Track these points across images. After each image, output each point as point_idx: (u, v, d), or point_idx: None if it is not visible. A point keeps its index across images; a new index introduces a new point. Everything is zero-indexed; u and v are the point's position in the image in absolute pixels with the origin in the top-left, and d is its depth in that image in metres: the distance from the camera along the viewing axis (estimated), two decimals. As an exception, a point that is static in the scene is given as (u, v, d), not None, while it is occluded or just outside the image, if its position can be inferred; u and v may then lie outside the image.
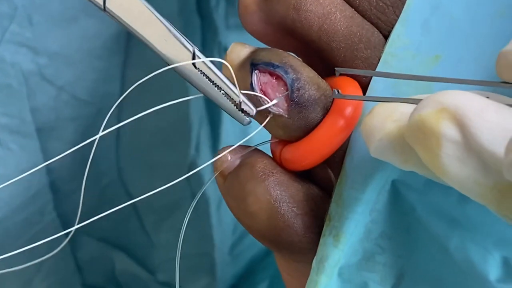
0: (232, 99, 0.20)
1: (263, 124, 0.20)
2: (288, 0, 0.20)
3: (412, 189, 0.19)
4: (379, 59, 0.20)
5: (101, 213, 0.39)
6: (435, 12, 0.20)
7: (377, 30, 0.20)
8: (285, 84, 0.19)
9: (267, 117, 0.20)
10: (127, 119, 0.37)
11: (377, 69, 0.20)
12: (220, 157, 0.21)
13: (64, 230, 0.38)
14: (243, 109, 0.20)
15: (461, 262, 0.18)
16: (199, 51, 0.20)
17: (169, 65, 0.20)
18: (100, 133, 0.22)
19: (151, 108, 0.35)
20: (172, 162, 0.38)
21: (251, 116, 0.20)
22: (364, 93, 0.20)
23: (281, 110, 0.20)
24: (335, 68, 0.20)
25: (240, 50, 0.21)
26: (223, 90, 0.20)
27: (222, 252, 0.40)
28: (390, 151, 0.16)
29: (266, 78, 0.20)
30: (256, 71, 0.20)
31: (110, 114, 0.36)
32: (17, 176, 0.33)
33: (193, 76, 0.20)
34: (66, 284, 0.38)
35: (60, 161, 0.36)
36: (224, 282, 0.41)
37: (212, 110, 0.39)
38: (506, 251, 0.18)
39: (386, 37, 0.20)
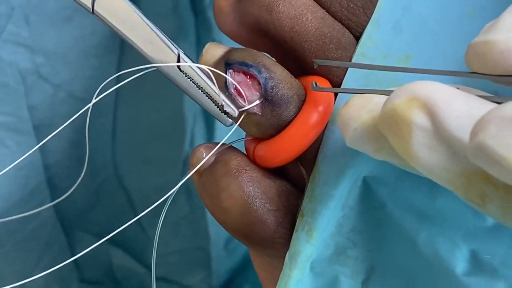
0: (215, 101, 0.20)
1: (238, 123, 0.21)
2: (261, 1, 0.20)
3: (383, 185, 0.20)
4: (350, 60, 0.20)
5: (98, 210, 0.40)
6: (406, 13, 0.20)
7: (348, 31, 0.21)
8: (259, 83, 0.20)
9: (242, 115, 0.20)
10: (123, 114, 0.38)
11: (349, 70, 0.20)
12: (196, 155, 0.21)
13: (62, 226, 0.39)
14: (225, 111, 0.20)
15: (429, 256, 0.19)
16: (184, 53, 0.20)
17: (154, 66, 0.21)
18: (94, 101, 0.23)
19: (146, 103, 0.36)
20: (167, 157, 0.38)
21: (233, 118, 0.21)
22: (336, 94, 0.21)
23: (255, 108, 0.20)
24: (313, 60, 0.20)
25: (215, 50, 0.21)
26: (206, 92, 0.20)
27: (217, 247, 0.41)
28: (364, 140, 0.17)
29: (240, 77, 0.20)
30: (230, 71, 0.20)
31: (106, 111, 0.37)
32: (14, 174, 0.34)
33: (178, 78, 0.20)
34: (64, 280, 0.39)
35: (57, 158, 0.36)
36: (219, 276, 0.42)
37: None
38: (474, 244, 0.19)
39: (357, 38, 0.21)
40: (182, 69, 0.20)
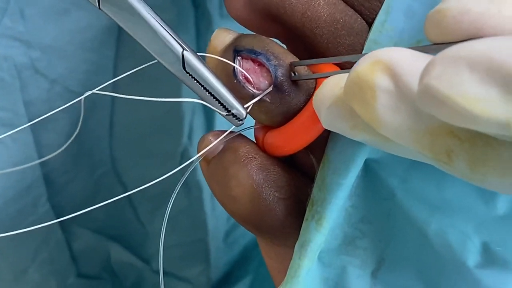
0: (222, 104, 0.20)
1: (248, 110, 0.20)
2: None
3: (393, 175, 0.19)
4: (363, 46, 0.20)
5: (96, 204, 0.39)
6: None
7: (360, 17, 0.20)
8: (268, 71, 0.20)
9: (251, 102, 0.20)
10: (120, 109, 0.38)
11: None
12: (204, 142, 0.21)
13: (59, 222, 0.39)
14: (233, 113, 0.20)
15: (440, 248, 0.18)
16: (193, 50, 0.19)
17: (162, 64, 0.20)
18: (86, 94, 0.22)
19: (144, 100, 0.36)
20: (165, 150, 0.38)
21: (241, 120, 0.20)
22: None
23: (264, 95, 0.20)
24: (291, 62, 0.20)
25: (224, 36, 0.21)
26: (212, 94, 0.20)
27: (216, 239, 0.41)
28: (339, 118, 0.16)
29: (248, 64, 0.20)
30: (238, 58, 0.20)
31: (103, 105, 0.37)
32: (8, 169, 0.34)
33: (186, 79, 0.19)
34: (61, 274, 0.38)
35: (54, 153, 0.36)
36: (218, 268, 0.41)
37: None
38: (486, 236, 0.18)
39: (369, 24, 0.20)
40: (187, 71, 0.19)
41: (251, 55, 0.20)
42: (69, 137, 0.36)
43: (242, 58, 0.20)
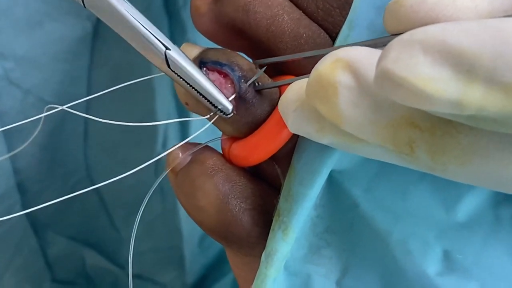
0: (207, 99, 0.20)
1: (212, 121, 0.20)
2: (237, 2, 0.20)
3: (357, 185, 0.19)
4: None
5: (70, 212, 0.39)
6: (380, 13, 0.19)
7: (324, 32, 0.20)
8: (233, 82, 0.20)
9: (216, 114, 0.20)
10: (93, 121, 0.38)
11: None
12: (172, 154, 0.21)
13: (33, 229, 0.39)
14: (220, 109, 0.20)
15: (401, 256, 0.18)
16: (176, 48, 0.19)
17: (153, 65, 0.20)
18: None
19: (117, 106, 0.36)
20: (139, 158, 0.37)
21: (228, 115, 0.20)
22: None
23: None
24: (255, 61, 0.20)
25: (190, 50, 0.21)
26: (196, 89, 0.20)
27: (191, 244, 0.40)
28: (305, 121, 0.16)
29: (214, 76, 0.20)
30: (204, 69, 0.20)
31: (78, 115, 0.37)
32: None
33: (173, 77, 0.19)
34: (35, 280, 0.38)
35: (28, 162, 0.36)
36: (193, 273, 0.41)
37: (181, 105, 0.39)
38: (447, 244, 0.18)
39: (333, 38, 0.20)
40: (172, 68, 0.19)
41: (217, 67, 0.20)
42: (43, 146, 0.36)
43: (208, 69, 0.20)
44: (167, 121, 0.20)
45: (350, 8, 0.20)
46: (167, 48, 0.19)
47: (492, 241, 0.18)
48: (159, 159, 0.39)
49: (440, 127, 0.13)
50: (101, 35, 0.35)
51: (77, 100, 0.35)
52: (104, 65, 0.36)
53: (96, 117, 0.37)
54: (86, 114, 0.36)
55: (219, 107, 0.20)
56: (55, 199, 0.37)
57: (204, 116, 0.21)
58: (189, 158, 0.21)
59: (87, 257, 0.41)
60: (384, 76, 0.12)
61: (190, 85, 0.19)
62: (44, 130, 0.34)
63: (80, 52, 0.35)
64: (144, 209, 0.41)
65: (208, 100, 0.20)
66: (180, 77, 0.19)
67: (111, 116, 0.37)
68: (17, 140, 0.34)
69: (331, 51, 0.15)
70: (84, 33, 0.34)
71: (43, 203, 0.37)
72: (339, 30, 0.20)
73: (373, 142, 0.14)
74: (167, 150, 0.21)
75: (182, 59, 0.19)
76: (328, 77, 0.14)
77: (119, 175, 0.38)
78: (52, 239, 0.39)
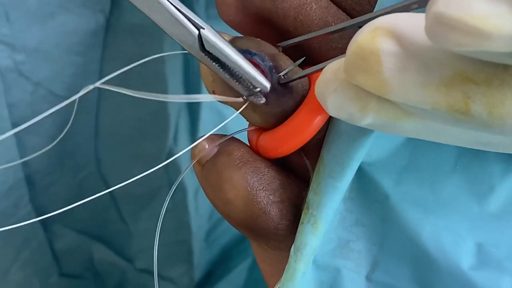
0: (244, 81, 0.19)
1: (239, 110, 0.20)
2: None
3: (386, 178, 0.19)
4: None
5: (79, 205, 0.39)
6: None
7: None
8: (263, 72, 0.19)
9: (245, 103, 0.19)
10: (105, 111, 0.38)
11: None
12: (198, 145, 0.20)
13: (41, 222, 0.38)
14: (255, 92, 0.19)
15: (433, 250, 0.18)
16: (211, 27, 0.19)
17: (182, 47, 0.19)
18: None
19: (129, 100, 0.36)
20: (150, 152, 0.38)
21: (265, 95, 0.19)
22: None
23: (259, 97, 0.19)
24: (277, 44, 0.19)
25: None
26: (232, 73, 0.19)
27: (199, 240, 0.40)
28: (346, 101, 0.16)
29: None
30: None
31: (88, 108, 0.37)
32: None
33: (206, 61, 0.19)
34: (43, 274, 0.37)
35: (37, 155, 0.36)
36: (200, 268, 0.41)
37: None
38: (480, 236, 0.18)
39: (361, 27, 0.21)
40: (207, 49, 0.18)
41: (247, 55, 0.19)
42: (53, 139, 0.35)
43: None
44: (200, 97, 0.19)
45: None
46: (200, 27, 0.18)
47: None
48: (169, 154, 0.39)
49: (497, 76, 0.13)
50: (113, 28, 0.34)
51: (88, 93, 0.34)
52: (116, 58, 0.35)
53: (107, 112, 0.37)
54: (97, 108, 0.37)
55: (257, 88, 0.19)
56: (63, 192, 0.38)
57: (230, 105, 0.20)
58: (215, 150, 0.21)
59: (95, 251, 0.40)
60: (437, 22, 0.11)
61: (223, 69, 0.19)
62: (54, 122, 0.34)
63: (92, 45, 0.34)
64: (154, 204, 0.41)
65: (242, 84, 0.19)
66: (213, 60, 0.18)
67: (122, 110, 0.37)
68: (27, 132, 0.34)
69: (360, 21, 0.15)
70: (96, 26, 0.33)
71: (52, 196, 0.37)
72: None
73: (424, 107, 0.14)
74: (196, 141, 0.21)
75: (217, 38, 0.18)
76: (369, 47, 0.14)
77: (131, 171, 0.38)
78: (60, 232, 0.39)
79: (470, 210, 0.18)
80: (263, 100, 0.19)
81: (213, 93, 0.20)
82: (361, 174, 0.19)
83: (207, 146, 0.21)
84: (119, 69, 0.35)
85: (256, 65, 0.19)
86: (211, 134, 0.20)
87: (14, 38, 0.31)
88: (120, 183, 0.38)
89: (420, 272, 0.19)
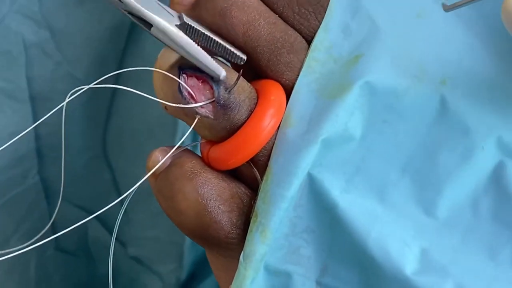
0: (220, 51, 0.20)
1: (192, 126, 0.21)
2: (214, 7, 0.20)
3: (335, 185, 0.20)
4: (302, 63, 0.21)
5: (83, 184, 0.40)
6: (355, 15, 0.20)
7: (300, 36, 0.21)
8: (211, 88, 0.20)
9: (195, 119, 0.20)
10: (120, 101, 0.39)
11: (301, 74, 0.21)
12: (152, 158, 0.21)
13: (45, 194, 0.40)
14: (234, 53, 0.20)
15: (379, 256, 0.19)
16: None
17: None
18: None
19: (144, 98, 0.37)
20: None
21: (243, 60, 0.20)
22: (288, 96, 0.21)
23: (207, 111, 0.20)
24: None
25: (169, 55, 0.21)
26: (216, 44, 0.20)
27: (189, 241, 0.41)
28: None
29: (192, 81, 0.20)
30: (183, 75, 0.20)
31: (103, 95, 0.38)
32: (7, 139, 0.35)
33: (178, 38, 0.20)
34: (40, 247, 0.39)
35: (50, 130, 0.37)
36: (187, 269, 0.42)
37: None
38: (425, 242, 0.19)
39: (309, 42, 0.21)
40: (187, 29, 0.20)
41: (195, 73, 0.20)
42: (66, 118, 0.37)
43: (187, 75, 0.20)
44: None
45: (325, 12, 0.20)
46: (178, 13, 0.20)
47: (470, 239, 0.19)
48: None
49: None
50: (138, 28, 0.35)
51: (105, 82, 0.36)
52: (137, 56, 0.37)
53: (121, 103, 0.38)
54: (112, 96, 0.38)
55: (235, 58, 0.20)
56: (69, 169, 0.39)
57: (182, 119, 0.21)
58: (168, 162, 0.22)
59: (90, 228, 0.41)
60: None
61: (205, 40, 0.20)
62: (71, 103, 0.35)
63: (115, 37, 0.36)
64: (152, 199, 0.42)
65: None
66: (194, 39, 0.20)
67: (135, 105, 0.38)
68: (43, 108, 0.35)
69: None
70: (122, 21, 0.35)
71: (58, 171, 0.38)
72: (314, 34, 0.21)
73: None
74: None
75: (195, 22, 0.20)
76: None
77: (134, 161, 0.39)
78: (61, 206, 0.40)
79: (417, 216, 0.19)
80: (211, 115, 0.20)
81: (165, 108, 0.21)
82: (312, 181, 0.20)
83: (160, 158, 0.22)
84: (138, 65, 0.36)
85: (204, 81, 0.20)
86: (164, 147, 0.22)
87: (42, 17, 0.33)
88: (123, 168, 0.39)
89: (366, 277, 0.19)
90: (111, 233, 0.42)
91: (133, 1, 0.19)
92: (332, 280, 0.20)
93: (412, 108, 0.20)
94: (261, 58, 0.21)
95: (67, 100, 0.22)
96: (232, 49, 0.20)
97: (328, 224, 0.20)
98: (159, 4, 0.19)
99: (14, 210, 0.38)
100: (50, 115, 0.35)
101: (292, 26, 0.21)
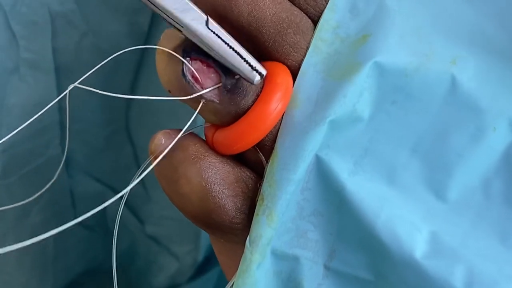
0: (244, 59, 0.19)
1: (197, 111, 0.20)
2: None
3: (343, 168, 0.19)
4: (309, 44, 0.20)
5: (105, 158, 0.41)
6: None
7: (306, 16, 0.20)
8: (216, 71, 0.20)
9: (200, 103, 0.20)
10: (143, 78, 0.39)
11: (308, 54, 0.20)
12: (154, 141, 0.21)
13: (66, 165, 0.40)
14: (255, 67, 0.19)
15: (387, 239, 0.18)
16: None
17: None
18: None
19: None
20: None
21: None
22: (294, 78, 0.20)
23: (213, 96, 0.20)
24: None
25: (172, 38, 0.20)
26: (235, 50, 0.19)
27: None
28: None
29: (197, 65, 0.20)
30: (187, 59, 0.20)
31: (128, 69, 0.38)
32: (31, 110, 0.35)
33: (207, 37, 0.19)
34: (60, 218, 0.39)
35: (73, 103, 0.38)
36: (204, 250, 0.42)
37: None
38: (435, 225, 0.18)
39: (315, 22, 0.20)
40: (210, 28, 0.19)
41: (200, 56, 0.20)
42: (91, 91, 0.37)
43: (191, 59, 0.20)
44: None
45: None
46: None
47: (481, 221, 0.18)
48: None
49: None
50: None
51: (131, 53, 0.36)
52: (164, 28, 0.36)
53: (145, 79, 0.38)
54: (136, 71, 0.38)
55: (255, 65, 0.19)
56: (91, 142, 0.39)
57: (187, 103, 0.21)
58: (170, 145, 0.21)
59: (109, 205, 0.42)
60: None
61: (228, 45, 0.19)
62: (96, 76, 0.35)
63: (142, 10, 0.35)
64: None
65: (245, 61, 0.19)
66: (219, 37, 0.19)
67: (158, 82, 0.38)
68: (67, 79, 0.35)
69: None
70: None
71: (79, 144, 0.38)
72: (321, 14, 0.20)
73: None
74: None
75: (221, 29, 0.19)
76: None
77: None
78: (81, 179, 0.41)
79: (427, 199, 0.18)
80: (216, 100, 0.20)
81: (169, 92, 0.21)
82: (319, 164, 0.19)
83: (163, 141, 0.21)
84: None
85: (208, 65, 0.20)
86: (167, 130, 0.21)
87: (68, -13, 0.32)
88: (144, 143, 0.39)
89: (375, 261, 0.19)
90: (130, 210, 0.42)
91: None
92: (340, 264, 0.20)
93: (422, 88, 0.19)
94: (266, 39, 0.20)
95: (60, 96, 0.22)
96: (253, 62, 0.19)
97: (336, 207, 0.20)
98: (188, 3, 0.19)
99: (35, 181, 0.38)
100: (72, 88, 0.35)
101: (298, 6, 0.20)
